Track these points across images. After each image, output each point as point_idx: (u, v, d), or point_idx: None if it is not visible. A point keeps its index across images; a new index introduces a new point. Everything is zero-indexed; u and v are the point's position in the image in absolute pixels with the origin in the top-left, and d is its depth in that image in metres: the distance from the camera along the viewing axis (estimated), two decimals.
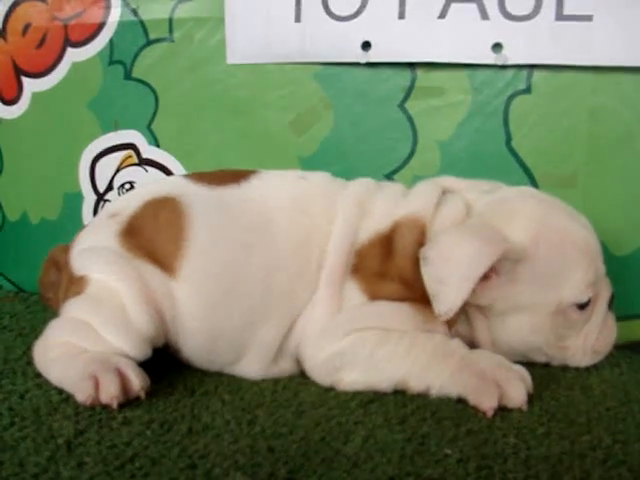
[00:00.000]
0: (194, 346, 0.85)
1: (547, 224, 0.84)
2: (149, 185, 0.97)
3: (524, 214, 0.84)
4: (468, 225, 0.85)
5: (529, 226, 0.82)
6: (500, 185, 0.91)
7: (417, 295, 0.82)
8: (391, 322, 0.83)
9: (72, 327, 0.83)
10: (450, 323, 0.84)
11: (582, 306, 0.84)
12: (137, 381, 0.77)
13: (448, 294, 0.78)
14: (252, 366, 0.86)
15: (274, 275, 0.84)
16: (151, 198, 0.90)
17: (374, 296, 0.84)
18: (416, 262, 0.82)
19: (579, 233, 0.85)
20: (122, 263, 0.84)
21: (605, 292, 0.89)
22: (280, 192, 0.89)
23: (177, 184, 0.92)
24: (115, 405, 0.74)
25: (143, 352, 0.81)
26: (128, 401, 0.76)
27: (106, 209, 0.95)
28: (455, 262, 0.78)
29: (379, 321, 0.83)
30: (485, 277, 0.79)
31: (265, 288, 0.84)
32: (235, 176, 0.92)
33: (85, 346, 0.80)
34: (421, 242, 0.84)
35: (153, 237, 0.86)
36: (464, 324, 0.86)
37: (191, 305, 0.83)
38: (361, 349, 0.81)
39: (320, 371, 0.84)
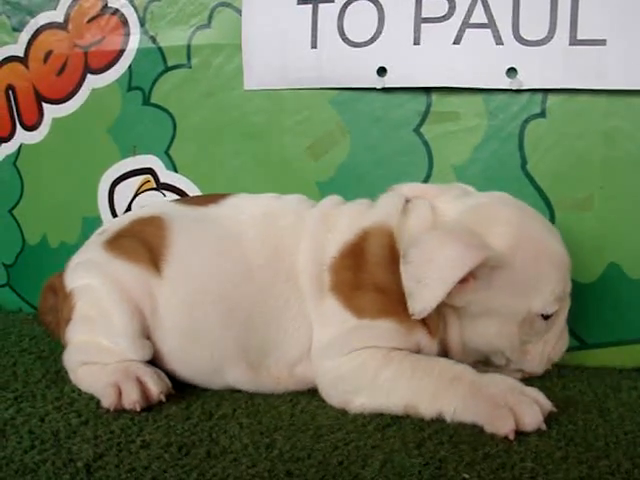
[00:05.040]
0: (173, 345, 0.89)
1: (525, 233, 0.85)
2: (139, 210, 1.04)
3: (503, 221, 0.85)
4: (450, 229, 0.85)
5: (508, 233, 0.84)
6: (469, 189, 0.94)
7: (393, 300, 0.83)
8: (377, 341, 0.83)
9: (82, 351, 0.89)
10: (432, 330, 0.85)
11: (547, 317, 0.86)
12: (155, 388, 0.84)
13: (425, 294, 0.78)
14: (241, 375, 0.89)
15: (245, 284, 0.87)
16: (138, 217, 0.96)
17: (355, 309, 0.84)
18: (387, 267, 0.84)
19: (554, 247, 0.86)
20: (103, 265, 0.90)
21: (566, 306, 0.90)
22: (252, 208, 0.93)
23: (163, 206, 0.98)
24: (138, 409, 0.81)
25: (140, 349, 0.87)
26: (150, 406, 0.83)
27: (97, 230, 1.01)
28: (436, 263, 0.79)
29: (365, 343, 0.83)
30: (463, 280, 0.79)
31: (238, 295, 0.87)
32: (216, 198, 0.97)
33: (101, 361, 0.88)
34: (391, 247, 0.86)
35: (136, 243, 0.91)
36: (441, 329, 0.87)
37: (170, 301, 0.88)
38: (363, 373, 0.82)
39: (329, 392, 0.85)
